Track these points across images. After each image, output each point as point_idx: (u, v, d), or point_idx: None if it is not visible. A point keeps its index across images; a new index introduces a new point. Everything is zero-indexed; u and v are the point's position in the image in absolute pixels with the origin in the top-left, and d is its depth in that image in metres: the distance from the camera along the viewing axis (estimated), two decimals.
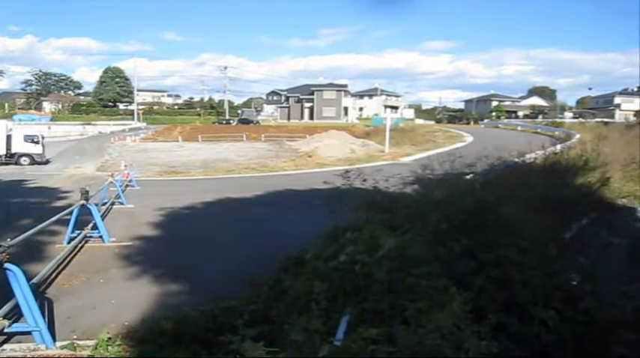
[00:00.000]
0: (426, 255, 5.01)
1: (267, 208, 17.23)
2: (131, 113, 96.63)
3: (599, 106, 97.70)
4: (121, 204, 17.57)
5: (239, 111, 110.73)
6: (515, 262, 5.81)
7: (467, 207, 6.24)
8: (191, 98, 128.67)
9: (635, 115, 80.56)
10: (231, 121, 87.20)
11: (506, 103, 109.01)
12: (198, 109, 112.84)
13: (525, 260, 5.98)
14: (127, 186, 21.24)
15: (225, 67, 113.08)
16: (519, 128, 59.38)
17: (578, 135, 33.68)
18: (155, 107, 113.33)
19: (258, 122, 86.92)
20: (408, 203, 7.17)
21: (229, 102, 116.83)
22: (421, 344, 2.91)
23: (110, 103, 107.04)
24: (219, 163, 33.64)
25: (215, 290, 7.57)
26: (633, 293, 11.56)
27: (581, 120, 68.74)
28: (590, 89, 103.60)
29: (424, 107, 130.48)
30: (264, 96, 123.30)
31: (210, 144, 51.87)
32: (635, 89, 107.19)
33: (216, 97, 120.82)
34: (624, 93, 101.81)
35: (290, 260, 7.99)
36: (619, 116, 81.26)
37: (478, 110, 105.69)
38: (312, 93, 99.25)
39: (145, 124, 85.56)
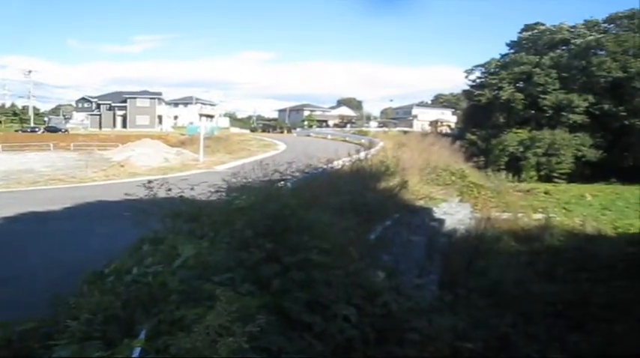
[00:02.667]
0: (228, 262, 5.13)
1: (76, 221, 16.08)
2: None
3: (399, 116, 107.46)
4: None
5: (46, 119, 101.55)
6: (318, 264, 6.19)
7: (271, 213, 6.50)
8: None
9: (430, 125, 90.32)
10: (37, 129, 79.41)
11: (317, 113, 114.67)
12: None
13: (328, 261, 6.41)
14: None
15: (30, 71, 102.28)
16: (329, 136, 62.63)
17: (381, 143, 36.56)
18: None
19: (67, 130, 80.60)
20: (214, 211, 7.25)
21: (35, 108, 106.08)
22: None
23: None
24: (23, 174, 30.38)
25: (14, 314, 6.83)
26: (427, 284, 12.99)
27: (384, 129, 74.96)
28: (391, 101, 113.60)
29: (239, 116, 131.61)
30: (74, 103, 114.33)
31: (12, 155, 46.51)
32: (430, 102, 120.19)
33: (20, 103, 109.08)
34: (421, 105, 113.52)
35: (95, 275, 7.57)
36: (416, 125, 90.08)
37: (291, 119, 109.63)
38: (125, 101, 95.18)
39: None
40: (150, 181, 7.92)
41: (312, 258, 6.10)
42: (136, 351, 3.44)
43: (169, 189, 8.05)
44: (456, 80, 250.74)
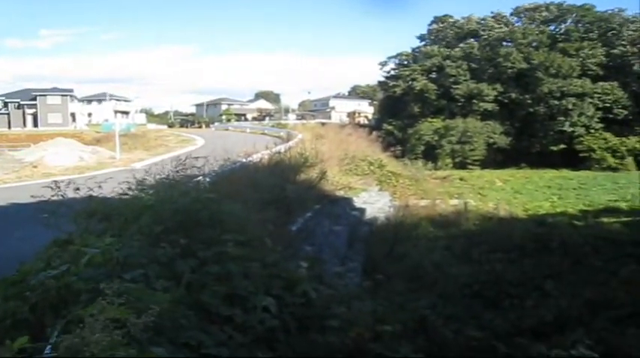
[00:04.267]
0: (140, 258, 5.03)
1: None
2: None
3: (317, 108, 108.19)
4: None
5: None
6: (234, 257, 6.18)
7: (181, 208, 6.42)
8: None
9: (347, 116, 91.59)
10: None
11: (236, 106, 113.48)
12: None
13: (244, 254, 6.41)
14: None
15: None
16: (248, 130, 62.13)
17: (300, 136, 36.75)
18: None
19: None
20: (125, 209, 7.06)
21: None
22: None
23: None
24: None
25: None
26: (349, 272, 13.24)
27: (303, 121, 75.20)
28: (309, 93, 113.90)
29: (156, 112, 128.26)
30: None
31: None
32: (347, 93, 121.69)
33: None
34: (338, 96, 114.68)
35: (6, 281, 7.19)
36: (335, 117, 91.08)
37: (209, 113, 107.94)
38: (35, 99, 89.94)
39: None
40: (56, 182, 7.57)
41: (228, 251, 6.09)
42: (47, 348, 3.38)
43: (77, 189, 7.74)
44: (372, 71, 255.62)
